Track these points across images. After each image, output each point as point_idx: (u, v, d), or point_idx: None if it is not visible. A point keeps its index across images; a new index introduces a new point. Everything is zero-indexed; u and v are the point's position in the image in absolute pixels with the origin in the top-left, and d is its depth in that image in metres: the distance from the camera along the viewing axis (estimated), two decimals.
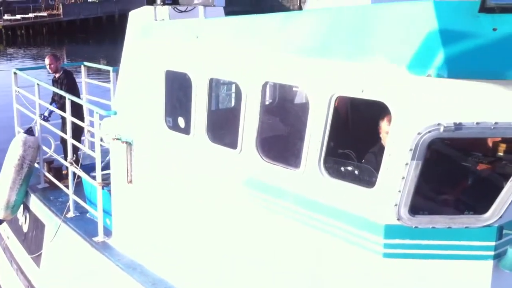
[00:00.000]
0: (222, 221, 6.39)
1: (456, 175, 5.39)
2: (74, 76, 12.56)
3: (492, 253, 4.81)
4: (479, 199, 4.92)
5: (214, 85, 6.53)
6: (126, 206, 8.32)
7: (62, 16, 79.60)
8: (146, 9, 7.38)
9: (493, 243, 4.79)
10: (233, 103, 8.58)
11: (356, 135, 5.59)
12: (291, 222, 5.50)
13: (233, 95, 8.66)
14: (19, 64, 50.43)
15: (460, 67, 3.87)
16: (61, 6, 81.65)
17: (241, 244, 6.19)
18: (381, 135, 5.33)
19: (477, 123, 4.23)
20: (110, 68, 11.99)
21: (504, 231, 4.76)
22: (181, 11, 7.37)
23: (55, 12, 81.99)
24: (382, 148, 5.25)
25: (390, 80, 4.35)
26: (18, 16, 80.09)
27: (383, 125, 5.28)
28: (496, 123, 4.23)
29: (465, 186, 5.30)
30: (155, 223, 7.70)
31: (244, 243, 6.15)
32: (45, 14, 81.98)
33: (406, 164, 4.46)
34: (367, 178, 5.00)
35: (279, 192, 5.55)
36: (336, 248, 5.17)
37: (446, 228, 4.75)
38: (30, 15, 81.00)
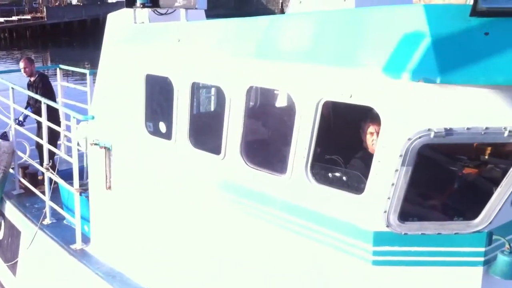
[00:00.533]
0: (206, 229, 6.25)
1: (444, 180, 5.34)
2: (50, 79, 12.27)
3: (482, 259, 4.76)
4: (469, 204, 4.87)
5: (196, 89, 6.38)
6: (105, 213, 8.13)
7: (46, 19, 78.24)
8: (125, 11, 7.20)
9: (482, 249, 4.74)
10: (213, 106, 8.46)
11: (342, 140, 5.49)
12: (277, 229, 5.38)
13: (213, 98, 8.57)
14: (1, 67, 49.41)
15: (452, 72, 3.79)
16: (45, 9, 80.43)
17: (224, 252, 6.06)
18: (365, 139, 5.26)
19: (468, 129, 4.17)
20: (86, 71, 11.76)
21: (494, 237, 4.72)
22: (161, 14, 7.22)
23: (39, 15, 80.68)
24: (366, 153, 5.20)
25: (380, 85, 4.26)
26: (1, 19, 78.25)
27: (368, 128, 5.21)
28: (486, 128, 4.17)
29: (454, 192, 5.25)
30: (135, 230, 7.52)
31: (228, 250, 6.02)
32: (28, 17, 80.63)
33: (396, 170, 4.38)
34: (355, 184, 4.92)
35: (265, 199, 5.44)
36: (324, 256, 5.07)
37: (436, 235, 4.69)
38: (14, 18, 79.44)
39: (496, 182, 4.77)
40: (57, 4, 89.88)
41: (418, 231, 4.68)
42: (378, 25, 4.30)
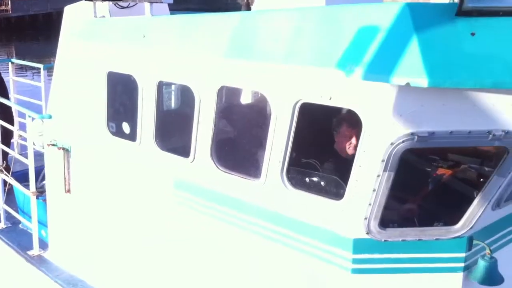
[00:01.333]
0: (172, 235, 5.96)
1: (424, 185, 5.21)
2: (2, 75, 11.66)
3: (462, 264, 4.65)
4: (449, 210, 4.74)
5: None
6: (64, 217, 7.73)
7: (10, 12, 75.21)
8: (84, 4, 6.79)
9: (463, 255, 4.63)
10: (174, 103, 8.10)
11: (318, 143, 5.29)
12: (251, 236, 5.15)
13: (174, 93, 8.20)
14: None
15: (440, 75, 3.60)
16: (9, 1, 77.36)
17: (193, 259, 5.79)
18: (340, 142, 5.09)
19: (451, 132, 4.01)
20: (40, 66, 11.21)
21: (474, 242, 4.61)
22: (123, 7, 6.85)
23: (3, 7, 77.35)
24: (341, 157, 5.02)
25: (362, 87, 4.06)
26: None
27: (344, 132, 5.04)
28: (470, 132, 4.02)
29: (433, 196, 5.11)
30: (96, 235, 7.17)
31: (197, 257, 5.75)
32: None
33: (378, 175, 4.19)
34: (333, 190, 4.72)
35: (238, 204, 5.19)
36: (302, 264, 4.86)
37: (416, 241, 4.54)
38: None
39: (475, 186, 4.67)
40: None
41: (398, 237, 4.53)
42: (358, 24, 4.08)
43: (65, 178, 7.43)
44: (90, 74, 6.62)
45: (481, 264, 4.55)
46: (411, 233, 4.52)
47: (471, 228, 4.53)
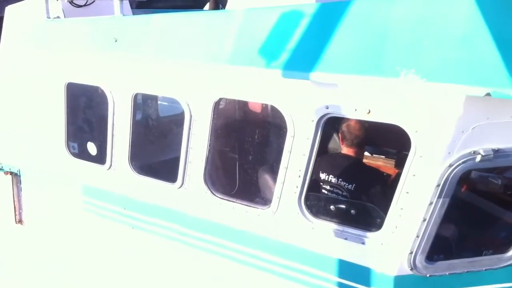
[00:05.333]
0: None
1: (471, 211, 4.57)
2: None
3: None
4: (497, 236, 4.13)
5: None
6: (14, 252, 6.66)
7: None
8: (32, 4, 5.72)
9: None
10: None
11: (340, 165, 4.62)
12: (258, 272, 4.40)
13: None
14: None
15: None
16: None
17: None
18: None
19: None
20: None
21: None
22: (79, 6, 5.82)
23: None
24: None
25: (411, 99, 3.33)
26: None
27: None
28: None
29: (481, 223, 4.46)
30: (53, 270, 6.17)
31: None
32: None
33: (431, 203, 3.49)
34: (368, 219, 4.01)
35: (243, 237, 4.41)
36: None
37: (463, 273, 3.89)
38: None
39: None
40: None
41: (446, 271, 3.85)
42: (409, 21, 3.34)
43: (15, 207, 6.38)
44: (43, 86, 5.60)
45: None
46: (459, 265, 3.86)
47: None
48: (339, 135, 4.71)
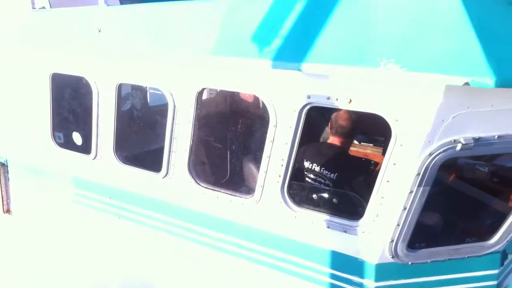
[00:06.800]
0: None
1: (452, 198, 4.57)
2: None
3: (495, 282, 4.08)
4: (481, 223, 4.15)
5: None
6: (2, 242, 6.65)
7: None
8: None
9: (496, 271, 4.04)
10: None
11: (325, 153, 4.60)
12: (248, 264, 4.40)
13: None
14: None
15: (509, 73, 2.93)
16: None
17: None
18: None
19: (499, 137, 3.36)
20: None
21: (509, 256, 4.04)
22: None
23: None
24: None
25: (391, 88, 3.32)
26: None
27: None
28: None
29: (463, 211, 4.47)
30: (41, 260, 6.17)
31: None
32: None
33: (411, 192, 3.50)
34: (349, 208, 4.01)
35: (225, 226, 4.42)
36: None
37: (445, 261, 3.90)
38: None
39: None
40: None
41: (428, 259, 3.87)
42: (391, 13, 3.32)
43: (2, 197, 6.37)
44: (28, 77, 5.56)
45: None
46: (442, 253, 3.88)
47: (506, 241, 3.94)
48: (329, 124, 4.71)
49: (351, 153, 5.77)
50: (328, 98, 3.60)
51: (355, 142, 6.12)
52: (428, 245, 3.88)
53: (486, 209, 4.54)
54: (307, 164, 4.64)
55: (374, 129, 6.02)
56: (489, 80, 2.85)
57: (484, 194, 4.66)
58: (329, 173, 4.50)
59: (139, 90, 6.26)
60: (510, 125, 3.36)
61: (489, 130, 3.36)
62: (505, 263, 4.11)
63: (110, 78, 4.77)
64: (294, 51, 3.57)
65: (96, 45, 4.74)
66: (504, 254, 4.03)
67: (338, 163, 4.57)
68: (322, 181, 4.51)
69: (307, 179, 4.64)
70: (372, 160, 5.54)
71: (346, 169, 4.54)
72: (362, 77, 3.30)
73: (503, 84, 2.86)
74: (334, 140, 4.66)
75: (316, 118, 4.83)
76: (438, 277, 3.96)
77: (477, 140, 3.34)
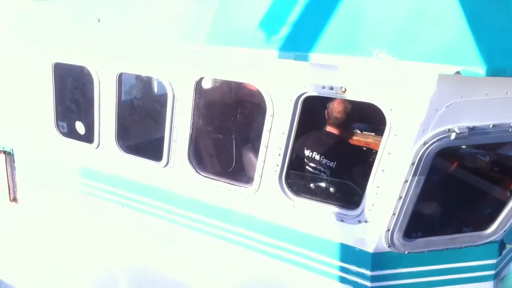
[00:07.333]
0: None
1: (450, 188, 4.56)
2: None
3: (493, 272, 4.07)
4: (478, 213, 4.14)
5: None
6: (9, 230, 6.74)
7: None
8: None
9: (494, 261, 4.04)
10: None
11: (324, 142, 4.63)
12: (244, 251, 4.44)
13: None
14: None
15: (499, 61, 2.91)
16: None
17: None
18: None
19: (493, 126, 3.35)
20: None
21: (507, 246, 4.03)
22: None
23: None
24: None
25: (386, 77, 3.31)
26: None
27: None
28: None
29: (461, 200, 4.46)
30: (47, 248, 6.25)
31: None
32: None
33: (406, 181, 3.50)
34: (346, 197, 4.02)
35: (226, 215, 4.45)
36: (308, 284, 4.16)
37: (441, 251, 3.91)
38: None
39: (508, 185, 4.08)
40: None
41: (424, 248, 3.87)
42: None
43: (9, 185, 6.44)
44: (31, 66, 5.60)
45: None
46: (438, 242, 3.88)
47: (504, 231, 3.93)
48: (326, 112, 4.72)
49: (353, 143, 5.78)
50: (323, 88, 3.60)
51: (357, 131, 6.11)
52: (425, 235, 3.89)
53: (483, 199, 4.53)
54: (307, 152, 4.65)
55: (376, 118, 6.00)
56: (480, 69, 2.83)
57: (482, 183, 4.65)
58: (329, 161, 4.51)
59: (145, 79, 6.28)
60: (505, 113, 3.34)
61: (484, 119, 3.34)
62: (503, 253, 4.10)
63: (111, 67, 4.81)
64: (289, 40, 3.57)
65: (95, 35, 4.77)
66: (502, 244, 4.02)
67: (337, 151, 4.58)
68: (322, 169, 4.53)
69: (307, 167, 4.65)
70: (373, 149, 5.53)
71: (346, 158, 4.55)
72: (355, 66, 3.29)
73: (493, 73, 2.84)
74: (331, 129, 4.66)
75: (319, 106, 4.81)
76: (435, 266, 3.97)
77: (471, 129, 3.33)
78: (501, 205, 3.88)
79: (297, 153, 4.64)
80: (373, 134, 6.07)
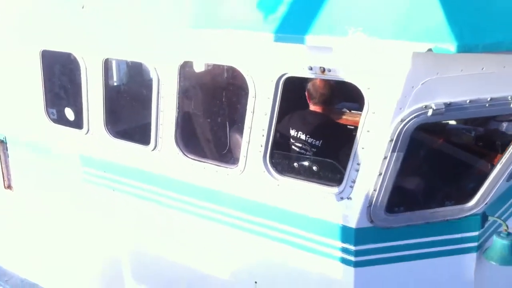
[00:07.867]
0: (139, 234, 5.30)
1: (429, 162, 4.63)
2: None
3: (475, 244, 4.15)
4: (459, 186, 4.21)
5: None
6: (4, 217, 6.84)
7: None
8: None
9: (476, 233, 4.12)
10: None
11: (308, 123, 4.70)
12: (233, 231, 4.53)
13: None
14: None
15: (470, 38, 2.95)
16: None
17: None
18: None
19: (470, 102, 3.41)
20: None
21: (489, 218, 4.11)
22: None
23: None
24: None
25: (362, 56, 3.36)
26: None
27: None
28: (491, 99, 3.43)
29: (441, 174, 4.53)
30: (43, 234, 6.35)
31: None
32: None
33: (385, 158, 3.57)
34: (329, 175, 4.10)
35: (216, 196, 4.53)
36: (295, 260, 4.25)
37: (424, 224, 3.99)
38: None
39: (489, 158, 4.14)
40: None
41: (406, 222, 3.96)
42: None
43: (3, 173, 6.53)
44: (20, 54, 5.65)
45: (499, 242, 4.01)
46: (420, 217, 3.96)
47: (485, 204, 4.00)
48: (306, 93, 4.77)
49: (342, 122, 5.85)
50: (303, 68, 3.65)
51: (346, 110, 6.17)
52: (407, 209, 3.97)
53: (465, 172, 4.59)
54: (293, 132, 4.71)
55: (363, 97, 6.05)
56: (451, 45, 2.88)
57: (463, 156, 4.72)
58: (314, 140, 4.58)
59: (130, 64, 6.32)
60: (482, 89, 3.40)
61: (461, 95, 3.40)
62: (486, 225, 4.18)
63: (96, 53, 4.85)
64: (268, 22, 3.61)
65: (80, 21, 4.81)
66: (484, 216, 4.10)
67: (322, 130, 4.65)
68: (308, 148, 4.60)
69: (294, 147, 4.72)
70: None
71: (330, 136, 4.62)
72: (331, 46, 3.34)
73: (464, 49, 2.90)
74: (315, 108, 4.72)
75: (302, 87, 4.86)
76: (418, 240, 4.05)
77: (448, 105, 3.39)
78: (482, 178, 3.95)
79: (283, 133, 4.71)
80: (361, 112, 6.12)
